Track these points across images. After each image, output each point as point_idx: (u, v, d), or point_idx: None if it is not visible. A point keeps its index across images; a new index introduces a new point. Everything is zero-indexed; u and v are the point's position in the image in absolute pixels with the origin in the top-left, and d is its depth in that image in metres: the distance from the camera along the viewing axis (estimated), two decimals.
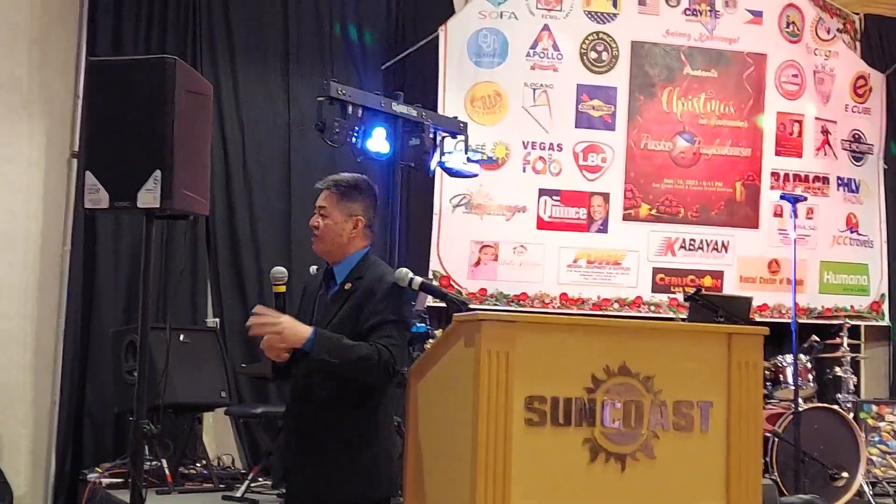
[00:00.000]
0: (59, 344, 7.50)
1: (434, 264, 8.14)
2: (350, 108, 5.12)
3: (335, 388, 3.65)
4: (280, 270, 3.69)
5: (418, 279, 3.76)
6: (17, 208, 7.51)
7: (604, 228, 8.57)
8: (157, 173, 4.17)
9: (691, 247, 8.75)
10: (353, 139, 5.16)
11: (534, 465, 3.30)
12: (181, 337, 7.02)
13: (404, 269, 3.80)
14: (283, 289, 3.68)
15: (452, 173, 5.92)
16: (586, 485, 3.37)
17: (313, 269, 6.53)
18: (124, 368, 6.81)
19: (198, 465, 7.34)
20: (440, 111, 7.84)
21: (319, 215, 3.83)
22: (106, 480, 6.79)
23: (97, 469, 7.09)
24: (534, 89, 8.44)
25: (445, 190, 8.16)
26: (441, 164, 5.83)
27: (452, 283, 8.12)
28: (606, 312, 8.38)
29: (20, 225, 7.51)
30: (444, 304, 7.54)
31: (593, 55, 8.58)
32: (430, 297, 7.08)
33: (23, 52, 7.54)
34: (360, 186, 3.88)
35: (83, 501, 6.83)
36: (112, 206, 4.44)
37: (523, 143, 8.43)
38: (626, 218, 8.61)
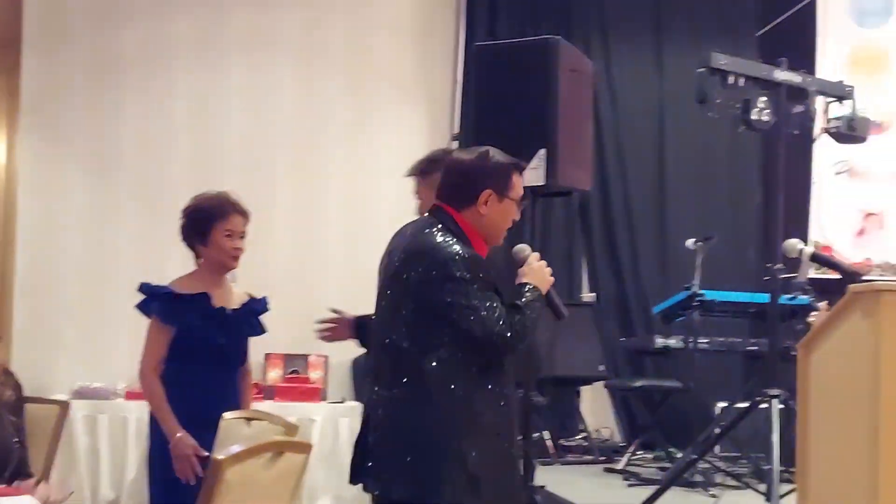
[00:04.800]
0: None
1: (814, 234, 7.83)
2: (731, 79, 5.02)
3: None
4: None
5: (809, 249, 3.66)
6: (397, 194, 7.89)
7: None
8: (542, 152, 4.28)
9: None
10: (735, 111, 5.05)
11: None
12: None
13: (794, 240, 3.70)
14: None
15: (840, 139, 5.65)
16: None
17: (689, 242, 6.49)
18: None
19: (577, 437, 7.49)
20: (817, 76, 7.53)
21: None
22: None
23: None
24: None
25: (826, 157, 7.83)
26: (828, 131, 5.58)
27: (834, 252, 7.79)
28: None
29: (401, 209, 7.88)
30: (824, 276, 7.34)
31: None
32: (812, 268, 6.90)
33: (406, 48, 7.94)
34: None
35: None
36: None
37: None
38: None
